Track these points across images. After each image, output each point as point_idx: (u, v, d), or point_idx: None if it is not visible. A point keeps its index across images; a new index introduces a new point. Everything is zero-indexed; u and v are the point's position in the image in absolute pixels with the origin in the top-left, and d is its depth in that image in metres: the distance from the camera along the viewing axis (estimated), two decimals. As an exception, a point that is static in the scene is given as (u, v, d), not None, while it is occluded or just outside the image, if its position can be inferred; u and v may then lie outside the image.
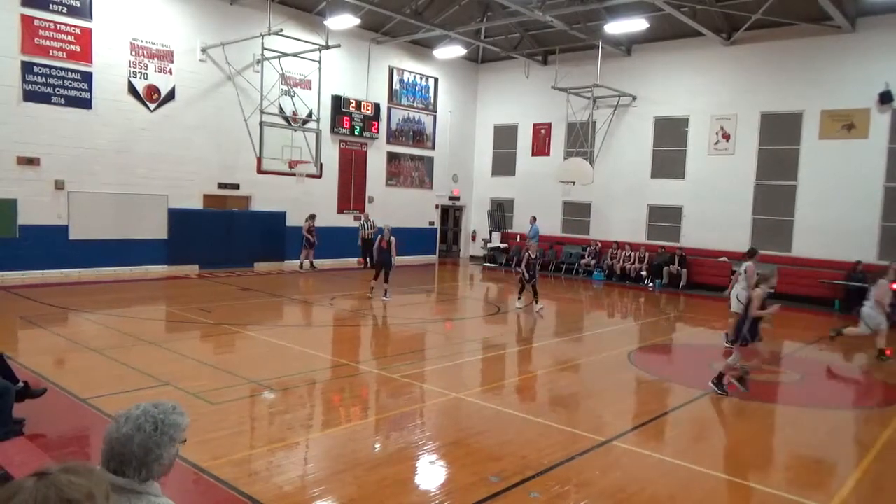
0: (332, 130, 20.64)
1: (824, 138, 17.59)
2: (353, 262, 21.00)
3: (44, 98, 14.83)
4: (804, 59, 17.85)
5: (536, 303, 13.90)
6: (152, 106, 16.71)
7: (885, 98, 16.49)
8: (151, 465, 2.04)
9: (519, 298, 14.31)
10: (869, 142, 16.89)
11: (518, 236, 23.44)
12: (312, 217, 19.53)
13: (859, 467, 5.94)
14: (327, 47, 17.04)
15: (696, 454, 6.05)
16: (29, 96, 14.64)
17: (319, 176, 18.98)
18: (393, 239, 14.10)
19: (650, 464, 5.72)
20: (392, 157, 23.13)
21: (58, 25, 14.94)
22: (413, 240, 23.25)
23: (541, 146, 23.89)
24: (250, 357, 9.02)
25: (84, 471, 1.57)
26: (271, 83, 17.51)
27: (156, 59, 16.70)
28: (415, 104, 23.76)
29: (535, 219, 22.25)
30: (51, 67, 14.87)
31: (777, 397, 8.59)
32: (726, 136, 19.40)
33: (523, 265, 14.01)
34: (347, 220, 21.53)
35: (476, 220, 26.19)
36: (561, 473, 5.35)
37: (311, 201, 19.92)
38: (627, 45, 21.20)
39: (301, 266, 19.46)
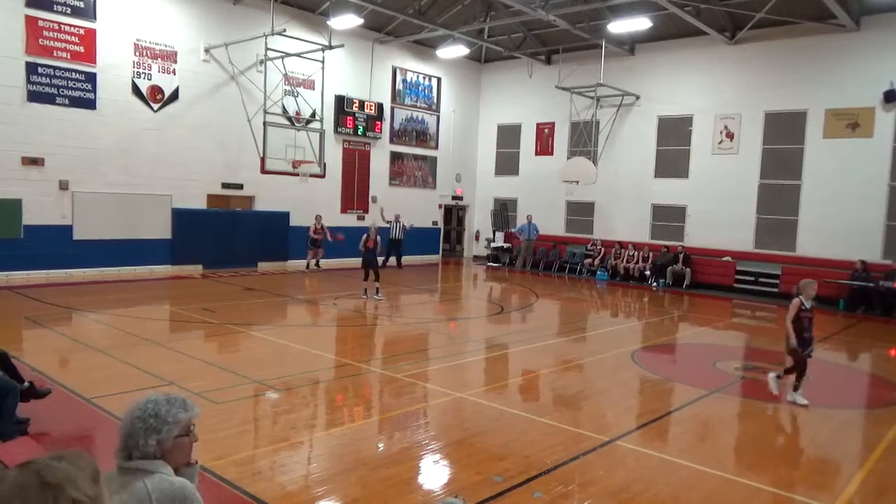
0: (335, 130, 20.64)
1: (828, 137, 17.54)
2: (352, 262, 20.82)
3: (48, 98, 14.88)
4: (808, 57, 17.79)
5: (796, 390, 7.83)
6: (156, 106, 16.75)
7: (889, 97, 16.42)
8: (131, 449, 2.10)
9: (797, 390, 7.80)
10: (873, 141, 16.83)
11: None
12: (318, 218, 19.58)
13: (864, 467, 5.91)
14: (330, 47, 17.05)
15: (700, 454, 6.04)
16: (33, 97, 14.69)
17: (323, 176, 19.04)
18: (379, 238, 14.16)
19: (654, 463, 5.71)
20: (395, 157, 23.14)
21: (62, 26, 14.98)
22: (416, 239, 23.26)
23: (544, 146, 23.86)
24: (254, 357, 9.02)
25: (71, 456, 1.56)
26: (275, 83, 17.52)
27: (159, 60, 16.73)
28: (418, 104, 23.76)
29: (530, 217, 22.65)
30: (55, 68, 14.92)
31: (781, 397, 8.56)
32: (730, 136, 19.35)
33: (790, 321, 7.65)
34: (351, 220, 21.53)
35: (479, 220, 26.18)
36: (564, 473, 5.34)
37: (314, 201, 19.95)
38: (631, 45, 21.17)
39: (308, 266, 19.49)
